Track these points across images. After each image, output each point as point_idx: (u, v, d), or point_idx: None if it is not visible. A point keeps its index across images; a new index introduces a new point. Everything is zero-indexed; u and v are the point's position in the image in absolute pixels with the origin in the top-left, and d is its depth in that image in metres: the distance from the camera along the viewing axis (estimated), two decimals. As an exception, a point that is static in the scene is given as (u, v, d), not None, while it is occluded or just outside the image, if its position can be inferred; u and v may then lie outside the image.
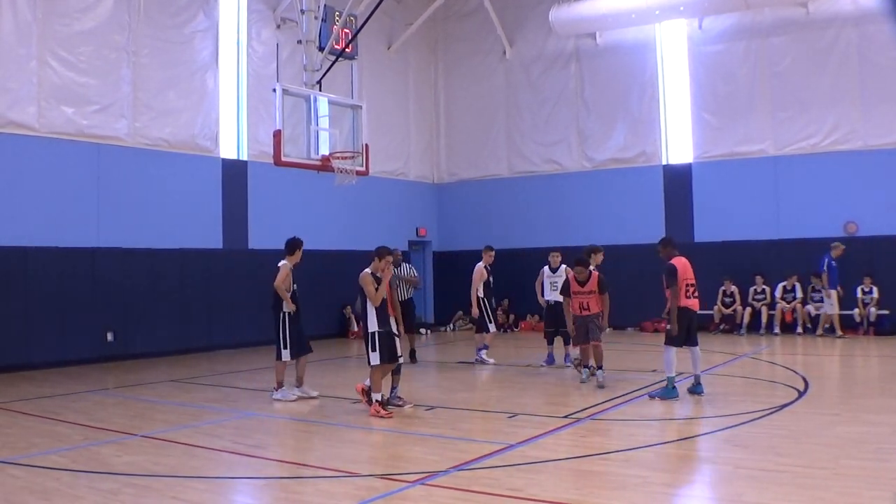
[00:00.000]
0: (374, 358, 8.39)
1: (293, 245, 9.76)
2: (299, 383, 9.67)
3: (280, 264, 9.56)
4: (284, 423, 8.54)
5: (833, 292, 15.82)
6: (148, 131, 15.13)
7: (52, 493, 5.70)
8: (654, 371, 11.28)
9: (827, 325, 16.08)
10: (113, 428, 8.15)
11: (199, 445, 7.24)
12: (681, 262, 9.32)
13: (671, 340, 9.20)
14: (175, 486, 5.85)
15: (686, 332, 9.26)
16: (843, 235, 16.56)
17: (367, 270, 8.58)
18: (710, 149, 18.40)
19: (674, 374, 9.11)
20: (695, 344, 9.33)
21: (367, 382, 8.52)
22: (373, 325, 8.47)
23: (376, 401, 8.39)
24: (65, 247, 13.78)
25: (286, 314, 9.49)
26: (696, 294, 9.36)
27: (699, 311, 9.55)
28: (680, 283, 9.17)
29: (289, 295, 9.44)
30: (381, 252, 8.75)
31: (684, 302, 9.19)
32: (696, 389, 9.18)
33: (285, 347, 9.44)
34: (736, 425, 7.52)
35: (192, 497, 5.61)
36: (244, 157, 16.98)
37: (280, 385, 9.51)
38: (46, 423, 8.54)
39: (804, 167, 17.26)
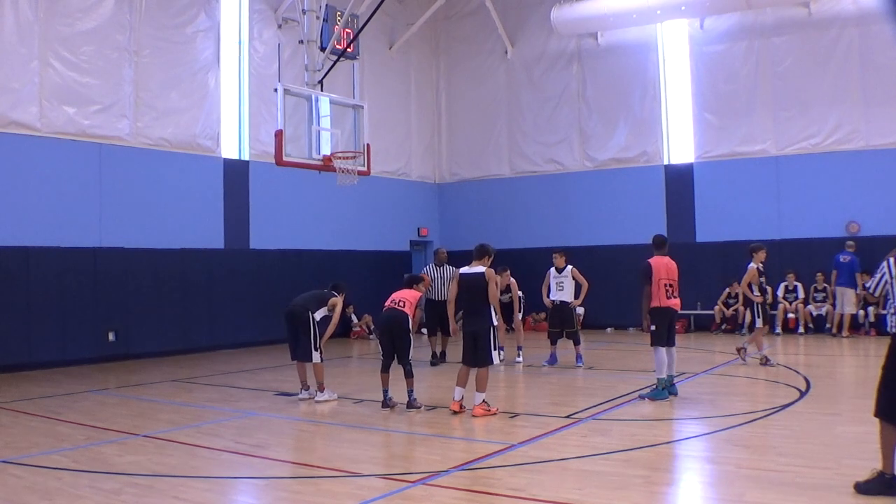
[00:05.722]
0: (496, 357, 8.44)
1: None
2: (306, 386, 9.70)
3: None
4: (286, 422, 8.54)
5: (849, 290, 15.87)
6: (150, 131, 15.13)
7: (54, 492, 5.71)
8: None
9: (828, 326, 16.16)
10: (115, 428, 8.16)
11: (201, 445, 7.25)
12: (659, 262, 9.30)
13: (657, 341, 9.21)
14: (177, 486, 5.86)
15: (666, 332, 9.27)
16: (846, 235, 16.55)
17: (485, 269, 8.47)
18: (712, 149, 18.39)
19: (664, 376, 9.12)
20: (672, 344, 9.33)
21: (481, 396, 8.33)
22: (495, 322, 8.42)
23: (484, 399, 8.36)
24: (67, 247, 13.79)
25: (318, 319, 9.53)
26: (676, 294, 9.35)
27: (693, 312, 9.59)
28: (657, 282, 9.17)
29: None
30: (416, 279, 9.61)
31: (665, 302, 9.19)
32: (670, 390, 9.18)
33: (316, 349, 9.46)
34: (737, 425, 7.52)
35: (194, 497, 5.62)
36: (246, 157, 16.99)
37: (322, 387, 9.51)
38: (48, 422, 8.55)
39: (806, 167, 17.25)
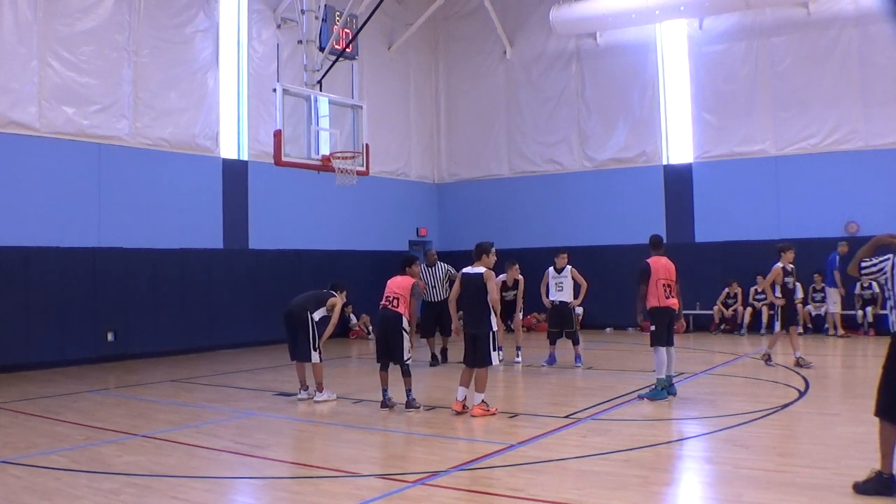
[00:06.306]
0: (496, 358, 8.45)
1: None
2: (305, 386, 9.70)
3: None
4: (285, 423, 8.54)
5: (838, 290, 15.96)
6: (149, 131, 15.13)
7: (53, 492, 5.71)
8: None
9: (825, 326, 16.25)
10: (114, 428, 8.15)
11: (200, 445, 7.24)
12: (658, 262, 9.31)
13: (656, 341, 9.22)
14: (176, 486, 5.86)
15: (665, 332, 9.28)
16: (845, 235, 16.56)
17: (485, 270, 8.49)
18: (711, 149, 18.40)
19: (663, 376, 9.13)
20: (671, 344, 9.34)
21: (480, 396, 8.35)
22: (494, 325, 8.44)
23: (483, 400, 8.39)
24: (66, 247, 13.78)
25: (317, 320, 9.55)
26: (675, 294, 9.36)
27: (692, 312, 9.56)
28: (655, 282, 9.18)
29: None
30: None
31: (664, 302, 9.20)
32: (669, 390, 9.18)
33: (315, 349, 9.46)
34: (736, 425, 7.52)
35: (193, 497, 5.62)
36: (245, 157, 16.98)
37: (321, 387, 9.51)
38: (47, 422, 8.55)
39: (805, 167, 17.25)
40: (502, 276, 12.73)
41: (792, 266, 11.71)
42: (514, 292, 12.90)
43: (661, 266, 9.29)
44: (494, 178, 21.23)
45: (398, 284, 9.03)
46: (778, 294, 11.76)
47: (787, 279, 11.63)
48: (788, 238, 17.05)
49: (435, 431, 7.74)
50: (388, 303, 8.93)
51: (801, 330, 16.39)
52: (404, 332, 8.81)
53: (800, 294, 16.77)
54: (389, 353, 8.90)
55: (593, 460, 6.39)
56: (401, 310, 8.83)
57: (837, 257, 15.95)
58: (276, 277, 16.75)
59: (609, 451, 6.64)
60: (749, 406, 8.43)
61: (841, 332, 15.85)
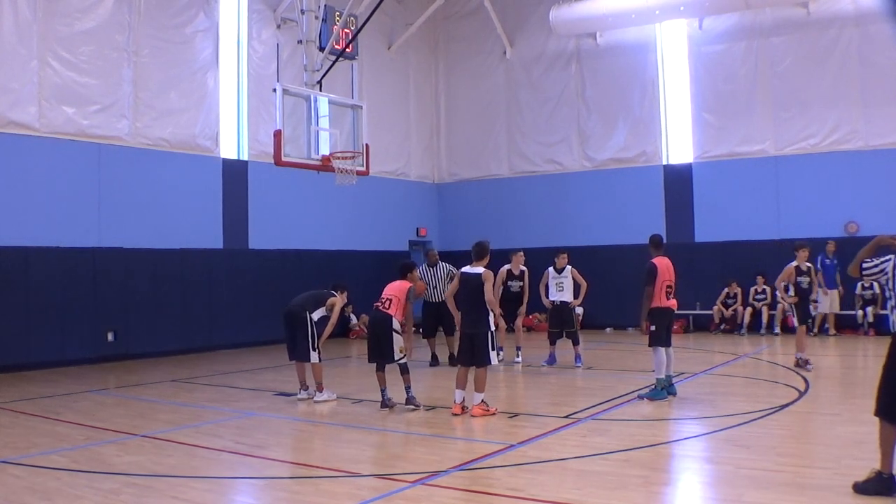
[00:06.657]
0: (495, 358, 8.44)
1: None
2: (305, 386, 9.70)
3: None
4: (285, 422, 8.54)
5: (831, 291, 15.93)
6: (149, 131, 15.13)
7: (53, 492, 5.71)
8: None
9: (826, 325, 16.24)
10: (114, 428, 8.15)
11: (200, 445, 7.25)
12: (662, 263, 9.30)
13: (656, 341, 9.22)
14: (176, 486, 5.86)
15: (665, 332, 9.29)
16: (844, 235, 16.56)
17: (483, 270, 8.48)
18: (711, 149, 18.40)
19: (663, 376, 9.13)
20: (669, 345, 9.34)
21: (480, 396, 8.33)
22: (492, 325, 8.43)
23: (483, 400, 8.37)
24: (66, 247, 13.78)
25: (316, 320, 9.56)
26: (673, 294, 9.36)
27: (692, 312, 9.54)
28: (660, 284, 9.18)
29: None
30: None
31: (665, 303, 9.20)
32: (669, 390, 9.18)
33: (314, 349, 9.47)
34: (736, 425, 7.52)
35: (193, 497, 5.62)
36: (244, 157, 16.98)
37: (321, 387, 9.51)
38: (47, 422, 8.55)
39: (805, 167, 17.25)
40: (507, 266, 12.71)
41: (808, 265, 11.64)
42: (521, 283, 12.73)
43: (665, 267, 9.30)
44: (494, 178, 21.23)
45: (394, 287, 9.05)
46: (791, 293, 11.70)
47: (800, 279, 11.53)
48: (789, 238, 17.08)
49: (434, 431, 7.74)
50: (380, 304, 8.93)
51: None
52: (395, 333, 8.79)
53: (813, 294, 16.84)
54: (382, 354, 8.90)
55: (593, 460, 6.39)
56: (392, 311, 8.83)
57: (822, 258, 15.97)
58: (276, 277, 16.75)
59: (609, 451, 6.64)
60: (749, 406, 8.43)
61: (815, 330, 15.96)
